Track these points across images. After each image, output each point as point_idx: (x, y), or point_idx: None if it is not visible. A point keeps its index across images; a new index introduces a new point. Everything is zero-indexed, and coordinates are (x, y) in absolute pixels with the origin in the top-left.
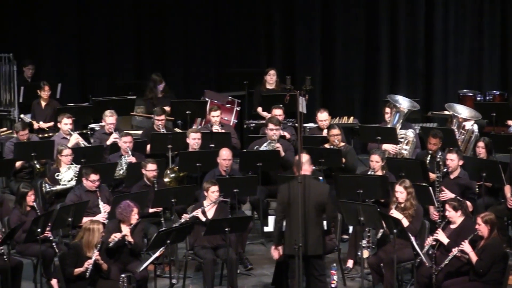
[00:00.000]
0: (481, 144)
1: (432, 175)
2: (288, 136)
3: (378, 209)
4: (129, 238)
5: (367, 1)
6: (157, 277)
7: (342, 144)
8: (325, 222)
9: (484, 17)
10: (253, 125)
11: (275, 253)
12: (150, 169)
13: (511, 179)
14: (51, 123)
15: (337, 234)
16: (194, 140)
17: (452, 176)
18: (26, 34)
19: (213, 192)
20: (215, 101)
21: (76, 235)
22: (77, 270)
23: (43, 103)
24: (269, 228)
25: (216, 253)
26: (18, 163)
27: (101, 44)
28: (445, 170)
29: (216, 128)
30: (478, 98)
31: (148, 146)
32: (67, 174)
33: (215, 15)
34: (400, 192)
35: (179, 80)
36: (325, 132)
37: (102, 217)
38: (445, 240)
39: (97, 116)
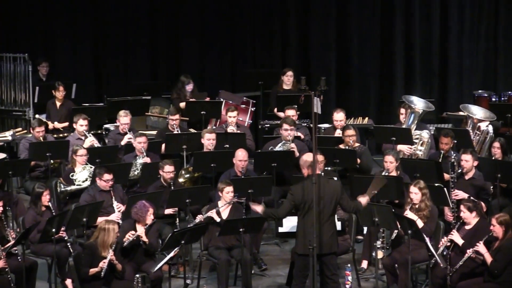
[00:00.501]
0: (496, 144)
1: (446, 176)
2: (302, 136)
3: (393, 210)
4: (144, 238)
5: (383, 2)
6: (172, 277)
7: (357, 144)
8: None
9: (500, 18)
10: (268, 125)
11: (255, 205)
12: (168, 170)
13: None
14: (66, 123)
15: (352, 235)
16: (209, 140)
17: (466, 177)
18: (41, 34)
19: (227, 193)
20: (230, 102)
21: (91, 235)
22: (92, 270)
23: (58, 103)
24: (284, 228)
25: (230, 254)
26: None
27: (116, 44)
28: (459, 171)
29: (231, 129)
30: (493, 99)
31: (163, 146)
32: (81, 174)
33: (230, 15)
34: (415, 193)
35: (194, 81)
36: (338, 133)
37: (116, 216)
38: (460, 241)
39: (112, 116)
